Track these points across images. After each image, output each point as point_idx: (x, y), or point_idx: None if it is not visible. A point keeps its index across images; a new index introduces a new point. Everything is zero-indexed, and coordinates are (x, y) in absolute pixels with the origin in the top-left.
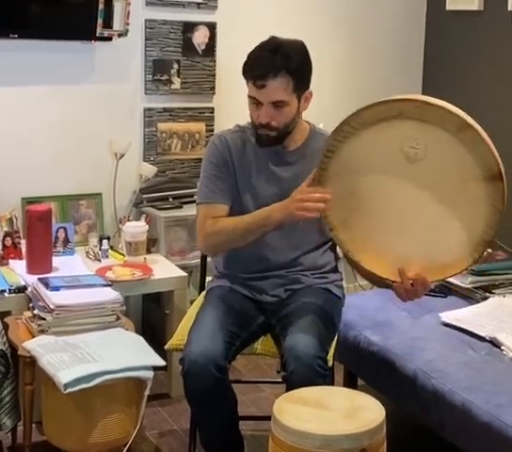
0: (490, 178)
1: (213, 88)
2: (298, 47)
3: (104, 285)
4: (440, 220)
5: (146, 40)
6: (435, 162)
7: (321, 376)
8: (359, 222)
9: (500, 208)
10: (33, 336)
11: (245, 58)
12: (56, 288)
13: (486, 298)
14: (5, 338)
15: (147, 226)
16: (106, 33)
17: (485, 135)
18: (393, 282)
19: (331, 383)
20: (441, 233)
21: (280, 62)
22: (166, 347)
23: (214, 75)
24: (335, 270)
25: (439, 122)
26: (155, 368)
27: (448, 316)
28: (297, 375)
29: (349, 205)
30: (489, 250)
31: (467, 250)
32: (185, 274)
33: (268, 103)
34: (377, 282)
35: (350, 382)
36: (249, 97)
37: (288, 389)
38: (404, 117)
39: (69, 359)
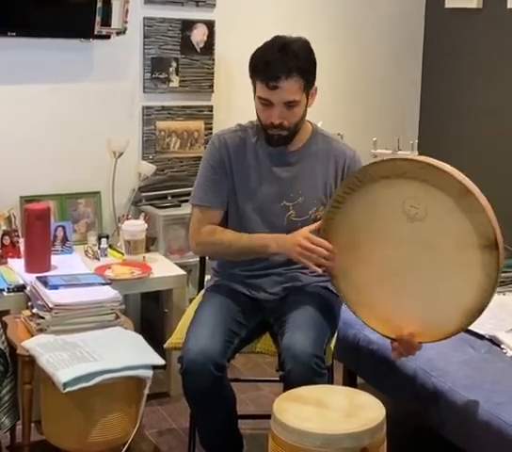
0: (487, 246)
1: (211, 87)
2: (303, 44)
3: (103, 284)
4: (435, 283)
5: (144, 38)
6: (434, 224)
7: (319, 374)
8: (358, 275)
9: (494, 277)
10: (32, 335)
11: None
12: (55, 287)
13: None
14: (4, 337)
15: (146, 224)
16: (105, 31)
17: (485, 202)
18: (388, 337)
19: (331, 382)
20: (435, 295)
21: (292, 63)
22: (165, 345)
23: (212, 73)
24: None
25: (440, 186)
26: (155, 367)
27: None
28: (295, 374)
29: (351, 257)
30: None
31: (457, 317)
32: (184, 273)
33: (280, 103)
34: None
35: (350, 381)
36: (260, 98)
37: (286, 388)
38: (408, 176)
39: (68, 358)
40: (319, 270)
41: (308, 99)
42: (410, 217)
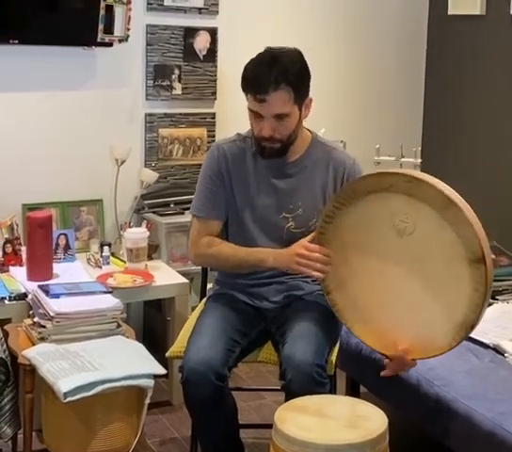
0: (474, 261)
1: (214, 94)
2: (295, 56)
3: (105, 292)
4: (427, 298)
5: (147, 45)
6: (422, 238)
7: (320, 384)
8: (352, 290)
9: (483, 292)
10: (33, 344)
11: (245, 65)
12: (57, 295)
13: (489, 305)
14: (5, 346)
15: (148, 232)
16: (107, 38)
17: (470, 214)
18: (382, 354)
19: (334, 391)
20: (427, 310)
21: (279, 76)
22: (166, 354)
23: (215, 81)
24: None
25: (426, 199)
26: (156, 376)
27: None
28: (296, 383)
29: (344, 272)
30: (493, 256)
31: (450, 333)
32: (187, 281)
33: (270, 116)
34: None
35: (353, 390)
36: (250, 110)
37: (287, 398)
38: (393, 190)
39: (69, 367)
40: (321, 275)
41: (301, 111)
42: (400, 232)
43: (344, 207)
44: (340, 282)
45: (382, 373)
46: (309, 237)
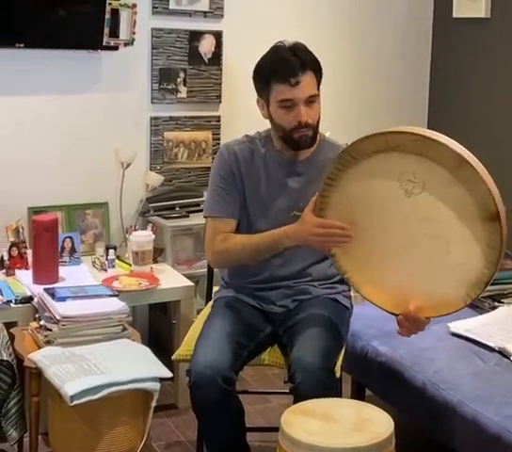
0: (488, 218)
1: (219, 97)
2: (306, 47)
3: (111, 295)
4: (437, 256)
5: (152, 48)
6: (432, 197)
7: (329, 387)
8: (357, 251)
9: (498, 249)
10: (39, 347)
11: (252, 67)
12: (63, 299)
13: (494, 308)
14: (11, 349)
15: (153, 235)
16: (113, 42)
17: (484, 172)
18: (393, 314)
19: (339, 394)
20: (438, 269)
21: (304, 60)
22: (173, 357)
23: (220, 84)
24: (343, 281)
25: (436, 158)
26: (162, 379)
27: (457, 326)
28: (305, 387)
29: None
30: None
31: (463, 289)
32: (192, 284)
33: (303, 101)
34: None
35: (358, 393)
36: (282, 101)
37: (296, 400)
38: (401, 150)
39: (75, 370)
40: (347, 241)
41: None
42: (408, 192)
43: (348, 169)
44: (346, 246)
45: (400, 333)
46: (312, 206)
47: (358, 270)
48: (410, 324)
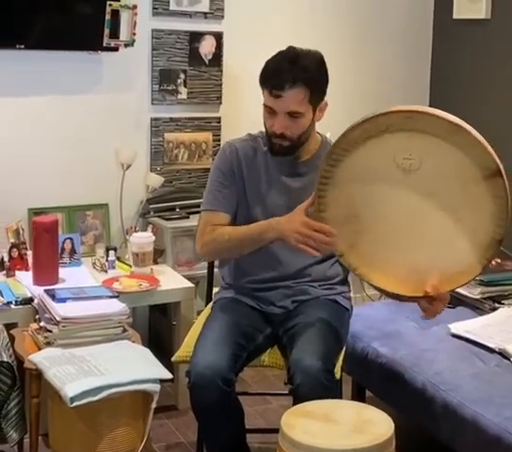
0: (490, 176)
1: (219, 98)
2: (317, 59)
3: (111, 297)
4: (447, 228)
5: (152, 50)
6: (431, 170)
7: (328, 389)
8: (366, 244)
9: (505, 204)
10: (39, 348)
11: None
12: (63, 300)
13: (495, 309)
14: (11, 350)
15: (154, 237)
16: (113, 43)
17: (477, 134)
18: (411, 297)
19: (339, 395)
20: (450, 240)
21: (298, 74)
22: (172, 359)
23: (220, 85)
24: (344, 282)
25: (427, 129)
26: (162, 380)
27: (457, 328)
28: (304, 388)
29: (354, 228)
30: (498, 261)
31: (478, 253)
32: (192, 285)
33: (283, 113)
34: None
35: (358, 395)
36: (265, 106)
37: (295, 402)
38: (392, 130)
39: (75, 372)
40: (317, 254)
41: (315, 112)
42: (406, 170)
43: (340, 163)
44: (351, 239)
45: (425, 317)
46: (306, 205)
47: (368, 263)
48: (435, 304)
